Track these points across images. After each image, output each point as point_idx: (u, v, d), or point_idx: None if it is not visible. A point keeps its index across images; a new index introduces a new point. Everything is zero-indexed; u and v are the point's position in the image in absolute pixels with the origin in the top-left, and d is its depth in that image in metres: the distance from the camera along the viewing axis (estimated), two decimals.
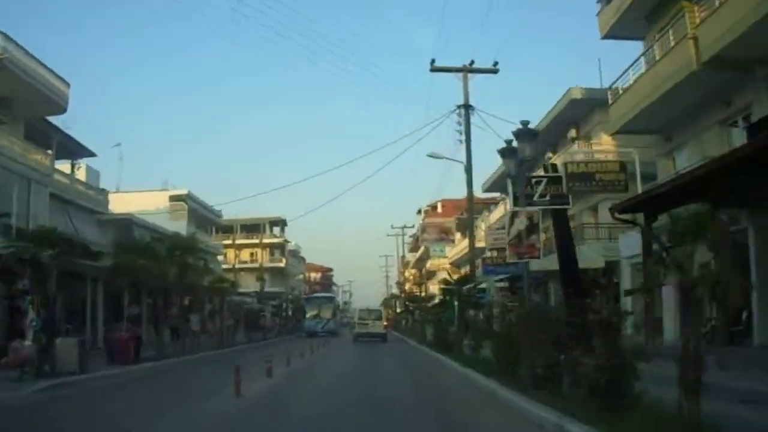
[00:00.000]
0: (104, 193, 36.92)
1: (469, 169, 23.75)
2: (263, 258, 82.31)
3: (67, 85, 30.33)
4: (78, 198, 32.48)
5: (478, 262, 45.37)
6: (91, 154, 35.72)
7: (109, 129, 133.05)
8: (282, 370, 16.89)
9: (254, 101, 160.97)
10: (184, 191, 48.41)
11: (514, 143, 13.40)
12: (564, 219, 20.27)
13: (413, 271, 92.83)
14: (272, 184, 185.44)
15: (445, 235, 36.28)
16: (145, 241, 23.63)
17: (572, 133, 32.38)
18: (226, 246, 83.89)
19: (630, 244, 24.69)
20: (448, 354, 20.06)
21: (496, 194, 46.49)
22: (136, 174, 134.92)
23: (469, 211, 24.92)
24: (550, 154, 31.83)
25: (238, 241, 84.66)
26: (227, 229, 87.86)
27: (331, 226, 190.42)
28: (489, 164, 79.04)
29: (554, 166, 20.00)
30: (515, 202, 13.73)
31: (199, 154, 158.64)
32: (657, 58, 20.19)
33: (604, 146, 28.90)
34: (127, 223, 34.93)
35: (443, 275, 71.95)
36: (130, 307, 23.49)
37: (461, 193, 55.77)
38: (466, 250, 58.69)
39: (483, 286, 24.03)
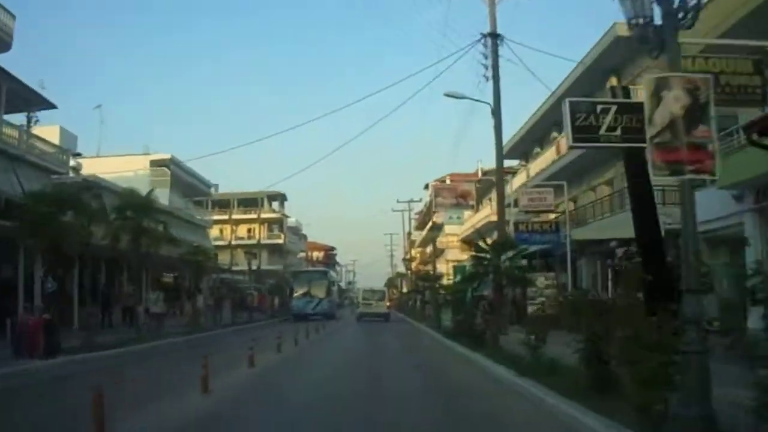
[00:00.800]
0: (65, 152, 31.99)
1: (497, 111, 18.75)
2: (261, 234, 77.39)
3: (12, 17, 25.55)
4: (29, 155, 27.57)
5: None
6: (51, 106, 30.80)
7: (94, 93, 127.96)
8: (235, 377, 11.87)
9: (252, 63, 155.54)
10: (166, 156, 43.33)
11: None
12: (640, 163, 15.28)
13: (419, 249, 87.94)
14: (271, 156, 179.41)
15: (462, 200, 30.88)
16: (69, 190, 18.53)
17: (612, 82, 27.29)
18: (223, 222, 79.53)
19: (701, 206, 19.56)
20: (481, 350, 14.30)
21: (515, 162, 41.32)
22: (126, 145, 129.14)
23: (498, 162, 19.97)
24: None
25: (234, 216, 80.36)
26: (223, 204, 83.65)
27: (334, 203, 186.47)
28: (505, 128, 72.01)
29: (625, 90, 14.98)
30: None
31: (194, 126, 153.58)
32: None
33: None
34: (90, 187, 30.18)
35: (453, 254, 67.66)
36: (46, 281, 18.50)
37: (471, 168, 50.65)
38: (481, 224, 53.91)
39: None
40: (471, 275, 15.19)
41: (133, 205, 19.12)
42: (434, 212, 33.02)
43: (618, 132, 13.87)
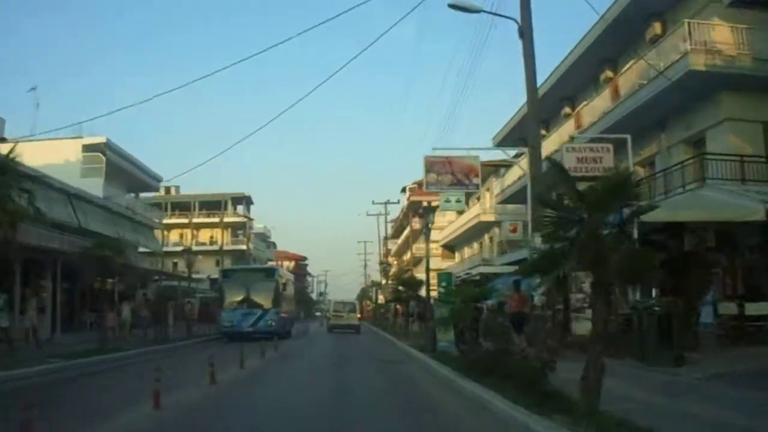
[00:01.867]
0: None
1: (527, 29, 12.81)
2: (224, 239, 70.59)
3: None
4: None
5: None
6: None
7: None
8: None
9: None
10: (101, 139, 36.58)
11: None
12: None
13: (395, 258, 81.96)
14: (233, 156, 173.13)
15: (465, 179, 23.79)
16: None
17: (656, 28, 21.60)
18: (183, 225, 72.86)
19: None
20: (564, 417, 6.82)
21: (512, 151, 35.10)
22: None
23: (531, 101, 13.96)
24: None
25: (195, 220, 73.74)
26: (184, 207, 77.29)
27: (306, 211, 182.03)
28: (502, 113, 65.24)
29: None
30: None
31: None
32: None
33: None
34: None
35: (434, 262, 60.69)
36: None
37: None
38: (469, 226, 47.67)
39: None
40: (541, 260, 7.34)
41: None
42: (428, 186, 24.74)
43: None
